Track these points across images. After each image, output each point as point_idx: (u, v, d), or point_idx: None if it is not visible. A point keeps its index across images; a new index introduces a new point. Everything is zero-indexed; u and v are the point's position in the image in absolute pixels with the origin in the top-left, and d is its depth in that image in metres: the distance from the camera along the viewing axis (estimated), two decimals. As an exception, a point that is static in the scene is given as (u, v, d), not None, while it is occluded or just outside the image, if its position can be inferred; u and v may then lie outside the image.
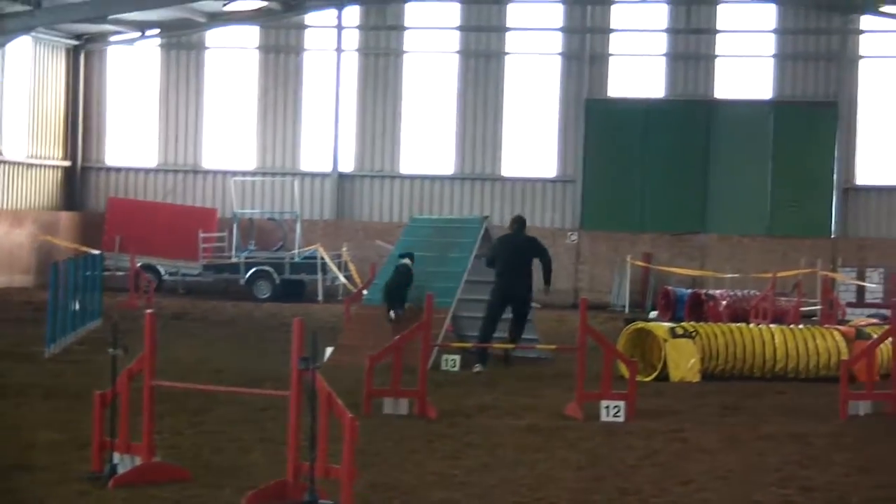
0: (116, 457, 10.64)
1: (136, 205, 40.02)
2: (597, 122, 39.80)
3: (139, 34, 41.34)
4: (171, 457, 11.20)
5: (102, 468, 10.66)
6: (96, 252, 30.95)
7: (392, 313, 20.32)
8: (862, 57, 38.95)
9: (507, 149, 40.35)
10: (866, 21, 39.05)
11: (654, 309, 34.99)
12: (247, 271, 36.92)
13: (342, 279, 36.68)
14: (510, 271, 20.25)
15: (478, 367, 19.61)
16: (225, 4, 39.58)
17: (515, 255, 20.41)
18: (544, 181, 40.21)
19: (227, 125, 41.43)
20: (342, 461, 9.46)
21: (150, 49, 41.87)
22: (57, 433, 12.77)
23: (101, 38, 41.61)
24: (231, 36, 41.75)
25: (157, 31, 41.42)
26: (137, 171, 41.81)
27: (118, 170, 41.86)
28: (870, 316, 29.01)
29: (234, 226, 38.31)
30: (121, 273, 35.37)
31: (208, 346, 22.77)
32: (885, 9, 38.55)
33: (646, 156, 39.48)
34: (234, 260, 37.57)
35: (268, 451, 12.03)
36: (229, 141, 41.40)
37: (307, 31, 41.48)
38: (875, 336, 18.03)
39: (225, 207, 40.05)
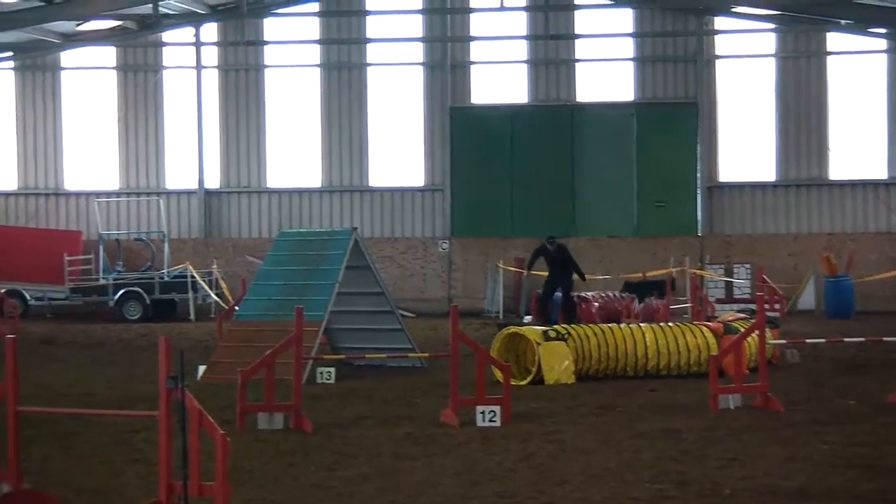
0: (-16, 485, 10.39)
1: (-2, 230, 39.28)
2: (462, 129, 39.95)
3: (-8, 58, 40.63)
4: (41, 483, 10.95)
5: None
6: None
7: None
8: (718, 57, 39.63)
9: (374, 160, 40.29)
10: (721, 22, 39.74)
11: (528, 313, 35.15)
12: (116, 293, 36.42)
13: (213, 297, 36.34)
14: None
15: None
16: (78, 25, 38.90)
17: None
18: (413, 191, 40.24)
19: (89, 146, 40.80)
20: (216, 479, 9.33)
21: (3, 72, 41.09)
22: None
23: (-47, 63, 40.83)
24: (87, 56, 41.15)
25: (10, 53, 40.62)
26: (-3, 195, 41.08)
27: (-23, 196, 41.05)
28: (738, 311, 29.49)
29: (101, 247, 37.76)
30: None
31: (78, 370, 22.33)
32: (738, 9, 39.27)
33: (512, 161, 39.72)
34: (102, 282, 37.04)
35: (140, 473, 11.83)
36: (91, 162, 40.78)
37: (165, 49, 41.05)
38: (742, 330, 18.30)
39: (90, 229, 39.45)
